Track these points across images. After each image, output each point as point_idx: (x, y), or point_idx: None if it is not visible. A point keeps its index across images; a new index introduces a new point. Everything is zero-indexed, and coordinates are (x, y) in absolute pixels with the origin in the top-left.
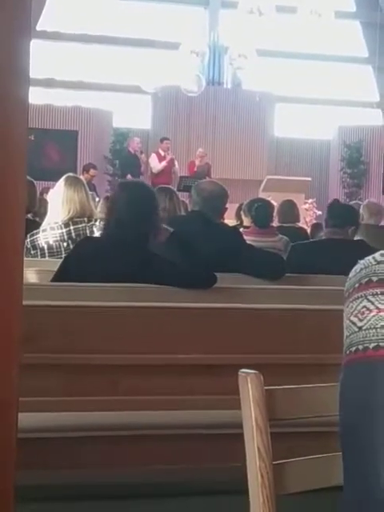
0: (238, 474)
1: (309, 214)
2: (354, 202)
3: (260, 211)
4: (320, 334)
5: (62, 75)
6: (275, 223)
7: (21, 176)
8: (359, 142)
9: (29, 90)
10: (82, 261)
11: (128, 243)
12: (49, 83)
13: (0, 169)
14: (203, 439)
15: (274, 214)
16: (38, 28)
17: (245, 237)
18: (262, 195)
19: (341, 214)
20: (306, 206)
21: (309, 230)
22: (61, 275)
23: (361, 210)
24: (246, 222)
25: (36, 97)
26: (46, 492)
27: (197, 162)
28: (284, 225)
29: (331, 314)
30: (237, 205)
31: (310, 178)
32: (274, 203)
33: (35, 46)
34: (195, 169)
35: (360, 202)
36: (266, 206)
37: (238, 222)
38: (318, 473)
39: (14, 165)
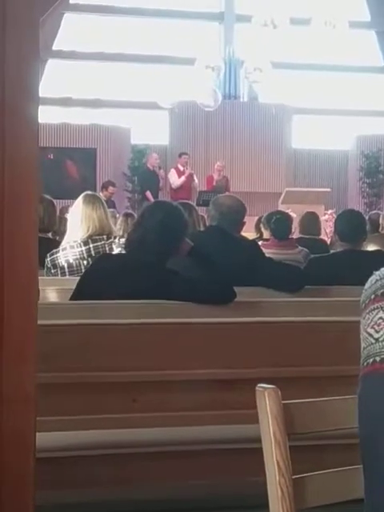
0: (257, 489)
1: (329, 225)
2: (373, 212)
3: (279, 223)
4: (340, 346)
5: (79, 94)
6: (295, 235)
7: (32, 195)
8: (378, 151)
9: (38, 109)
10: (99, 278)
11: (148, 262)
12: (66, 102)
13: (11, 188)
14: (223, 455)
15: (294, 225)
16: (54, 47)
17: (264, 249)
18: (281, 207)
19: (351, 232)
20: (326, 217)
21: (329, 241)
22: (78, 293)
23: (380, 220)
24: (266, 234)
25: (54, 116)
26: (66, 511)
27: (215, 176)
28: (304, 236)
29: (351, 325)
30: (256, 218)
31: (329, 189)
32: (294, 215)
33: (52, 65)
34: (214, 183)
35: (379, 212)
36: (285, 218)
37: (258, 235)
38: (339, 486)
39: (25, 184)
